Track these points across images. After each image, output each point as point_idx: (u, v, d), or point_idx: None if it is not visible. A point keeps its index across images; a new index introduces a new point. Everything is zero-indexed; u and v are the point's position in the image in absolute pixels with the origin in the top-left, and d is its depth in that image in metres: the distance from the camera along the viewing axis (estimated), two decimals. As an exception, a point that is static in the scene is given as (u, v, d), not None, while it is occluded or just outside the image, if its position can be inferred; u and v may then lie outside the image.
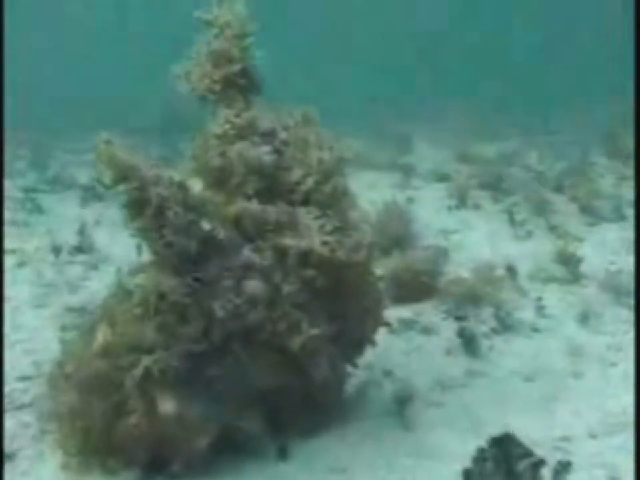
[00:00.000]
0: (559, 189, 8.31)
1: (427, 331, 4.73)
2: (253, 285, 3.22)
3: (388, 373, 4.18)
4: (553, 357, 4.41)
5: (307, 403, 3.41)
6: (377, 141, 10.92)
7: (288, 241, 3.22)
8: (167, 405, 2.99)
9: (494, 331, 4.76)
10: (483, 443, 3.06)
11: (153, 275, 3.14)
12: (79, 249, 5.84)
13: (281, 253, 3.28)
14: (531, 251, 6.32)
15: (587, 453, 3.39)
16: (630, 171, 9.42)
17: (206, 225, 3.33)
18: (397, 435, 3.62)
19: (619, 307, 5.18)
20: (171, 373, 3.00)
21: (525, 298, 5.35)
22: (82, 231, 6.45)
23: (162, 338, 3.02)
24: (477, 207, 7.79)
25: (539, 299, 5.23)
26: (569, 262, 5.81)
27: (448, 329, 4.76)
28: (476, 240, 6.64)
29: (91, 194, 8.02)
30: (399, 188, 8.59)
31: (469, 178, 8.67)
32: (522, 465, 2.76)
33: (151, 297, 3.06)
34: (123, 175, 3.09)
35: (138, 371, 2.95)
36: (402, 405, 3.82)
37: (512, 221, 7.04)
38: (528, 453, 2.79)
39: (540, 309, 5.13)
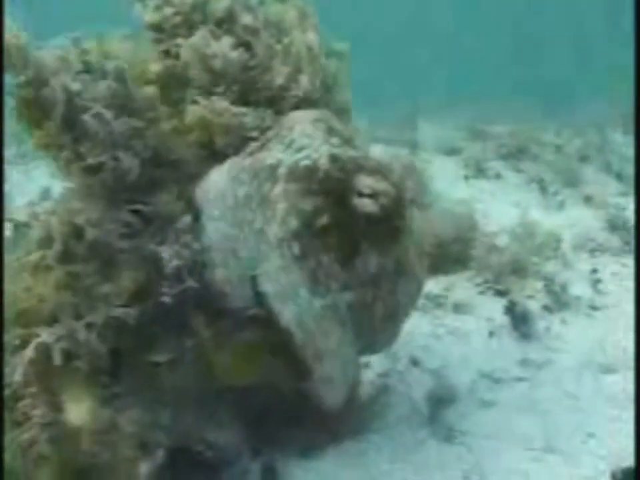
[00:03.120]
0: (584, 159, 7.07)
1: (462, 308, 3.47)
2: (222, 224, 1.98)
3: (415, 363, 2.93)
4: (631, 341, 3.16)
5: (305, 406, 2.15)
6: (380, 117, 9.67)
7: (275, 154, 1.96)
8: (78, 410, 1.74)
9: (546, 308, 3.51)
10: (560, 460, 1.86)
11: (64, 204, 1.89)
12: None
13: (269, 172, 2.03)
14: (570, 221, 5.06)
15: None
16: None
17: (155, 136, 2.10)
18: (434, 449, 2.38)
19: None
20: (86, 358, 1.75)
21: (573, 270, 4.10)
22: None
23: (71, 299, 1.76)
24: (497, 176, 6.52)
25: (594, 271, 3.99)
26: (621, 230, 4.58)
27: (488, 307, 3.51)
28: (503, 209, 5.37)
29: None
30: (407, 160, 7.32)
31: (483, 150, 7.42)
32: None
33: (56, 234, 1.81)
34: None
35: (28, 353, 1.70)
36: (438, 407, 2.58)
37: (543, 190, 5.79)
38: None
39: (595, 283, 3.89)
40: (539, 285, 3.68)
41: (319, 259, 1.89)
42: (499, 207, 5.50)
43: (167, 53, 2.28)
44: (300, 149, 1.96)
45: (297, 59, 2.14)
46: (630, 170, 6.54)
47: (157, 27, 2.28)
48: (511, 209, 5.50)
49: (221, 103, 2.05)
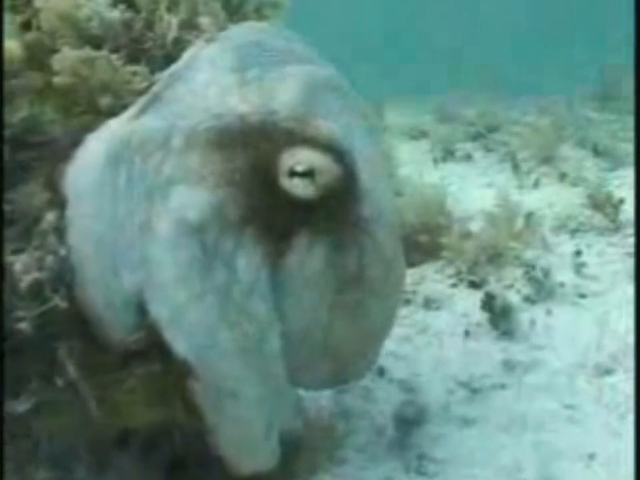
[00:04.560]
0: (558, 135, 6.59)
1: (433, 304, 2.96)
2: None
3: (381, 372, 2.42)
4: (629, 335, 2.68)
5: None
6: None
7: (166, 116, 1.44)
8: None
9: (527, 299, 3.02)
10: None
11: None
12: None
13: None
14: (547, 200, 4.59)
15: None
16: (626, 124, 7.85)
17: (18, 111, 1.57)
18: (405, 485, 1.89)
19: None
20: None
21: (554, 253, 3.62)
22: None
23: None
24: (467, 157, 6.05)
25: (578, 253, 3.51)
26: (603, 207, 4.10)
27: (462, 301, 3.01)
28: (475, 192, 4.89)
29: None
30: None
31: (452, 132, 6.93)
32: None
33: None
34: None
35: None
36: (407, 429, 2.08)
37: (515, 169, 5.32)
38: None
39: (580, 267, 3.41)
40: (518, 272, 3.19)
41: (232, 266, 1.36)
42: (470, 189, 5.01)
43: (27, 26, 1.73)
44: (205, 108, 1.42)
45: (190, 3, 1.60)
46: (608, 145, 6.09)
47: None
48: (482, 190, 5.01)
49: (96, 53, 1.51)
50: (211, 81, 1.43)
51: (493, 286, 3.08)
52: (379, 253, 1.53)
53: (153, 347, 1.37)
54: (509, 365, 2.44)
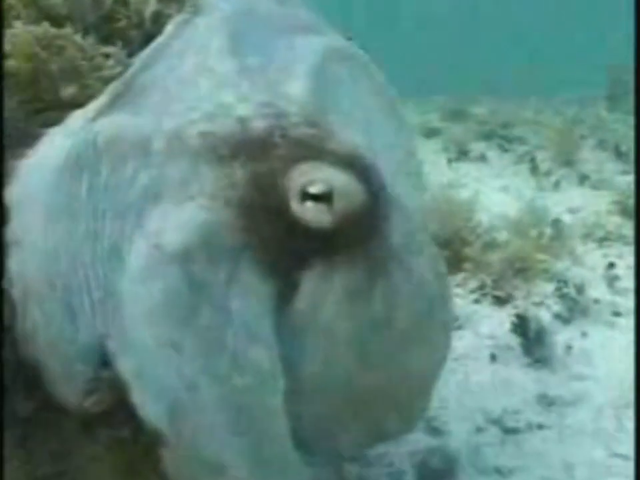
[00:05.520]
0: (576, 135, 6.23)
1: (455, 322, 2.63)
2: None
3: (399, 407, 2.10)
4: (675, 361, 2.34)
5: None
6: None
7: (145, 112, 1.11)
8: None
9: (559, 317, 2.67)
10: None
11: None
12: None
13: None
14: (570, 205, 4.24)
15: None
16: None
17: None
18: None
19: None
20: None
21: (583, 266, 3.27)
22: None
23: None
24: (482, 158, 5.68)
25: (611, 265, 3.16)
26: (632, 214, 3.75)
27: (487, 318, 2.66)
28: (493, 195, 4.53)
29: None
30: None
31: (464, 130, 6.57)
32: None
33: None
34: None
35: None
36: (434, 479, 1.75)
37: (534, 170, 4.96)
38: None
39: (612, 281, 3.06)
40: (548, 287, 2.84)
41: (225, 305, 1.02)
42: (488, 192, 4.63)
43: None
44: (194, 104, 1.08)
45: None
46: (623, 146, 5.74)
47: None
48: (501, 194, 4.66)
49: (58, 30, 1.17)
50: (201, 67, 1.09)
51: (521, 303, 2.73)
52: (414, 286, 1.18)
53: (120, 407, 1.04)
54: (545, 400, 2.10)
